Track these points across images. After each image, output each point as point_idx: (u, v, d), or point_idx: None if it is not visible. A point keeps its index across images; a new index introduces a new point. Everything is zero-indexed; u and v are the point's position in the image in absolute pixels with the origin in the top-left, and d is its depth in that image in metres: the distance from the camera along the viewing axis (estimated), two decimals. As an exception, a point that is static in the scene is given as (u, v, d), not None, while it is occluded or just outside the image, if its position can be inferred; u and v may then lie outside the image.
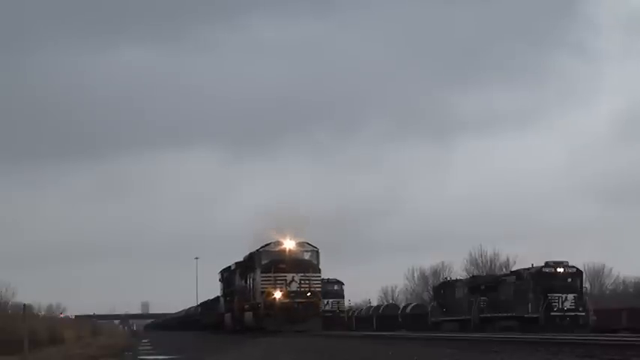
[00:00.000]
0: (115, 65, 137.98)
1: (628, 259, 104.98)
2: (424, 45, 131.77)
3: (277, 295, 37.31)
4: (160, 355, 29.99)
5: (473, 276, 55.13)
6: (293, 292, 37.46)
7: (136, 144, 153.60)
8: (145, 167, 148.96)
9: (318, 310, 38.66)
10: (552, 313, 37.65)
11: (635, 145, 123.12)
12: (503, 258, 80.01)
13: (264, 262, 38.67)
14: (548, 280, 38.53)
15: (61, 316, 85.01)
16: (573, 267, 39.49)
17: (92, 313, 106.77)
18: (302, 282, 37.61)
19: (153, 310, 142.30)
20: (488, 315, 41.95)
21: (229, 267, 48.07)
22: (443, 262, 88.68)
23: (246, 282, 41.81)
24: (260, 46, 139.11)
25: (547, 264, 39.08)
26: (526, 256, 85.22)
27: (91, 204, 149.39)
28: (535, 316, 37.98)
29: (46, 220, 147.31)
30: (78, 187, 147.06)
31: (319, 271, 38.72)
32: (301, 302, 37.46)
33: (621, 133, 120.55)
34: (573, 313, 37.90)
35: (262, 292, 37.83)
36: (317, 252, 38.89)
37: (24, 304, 29.42)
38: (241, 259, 43.69)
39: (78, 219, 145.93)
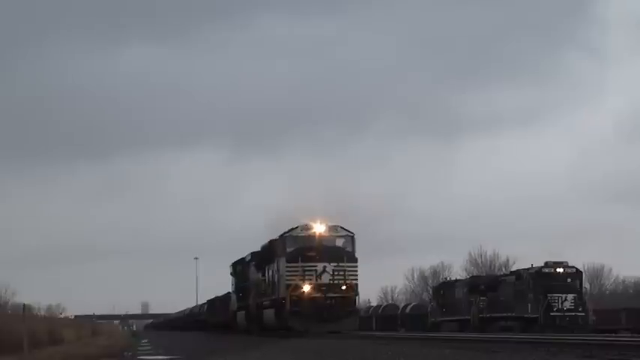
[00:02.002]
0: (118, 65, 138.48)
1: (628, 259, 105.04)
2: (431, 44, 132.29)
3: (306, 288, 32.08)
4: (160, 355, 29.99)
5: (472, 276, 55.21)
6: (325, 285, 32.14)
7: (137, 144, 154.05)
8: (147, 167, 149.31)
9: (354, 306, 33.32)
10: (552, 314, 37.68)
11: (637, 146, 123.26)
12: (502, 258, 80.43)
13: (290, 249, 33.08)
14: (548, 280, 38.57)
15: (61, 316, 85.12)
16: (573, 267, 39.53)
17: (92, 313, 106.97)
18: (335, 273, 32.20)
19: (153, 310, 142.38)
20: (488, 315, 41.98)
21: (243, 258, 42.62)
22: (443, 262, 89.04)
23: (264, 274, 36.88)
24: (265, 45, 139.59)
25: (547, 264, 39.12)
26: (526, 256, 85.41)
27: (92, 204, 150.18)
28: (535, 316, 38.01)
29: (46, 221, 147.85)
30: (78, 187, 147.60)
31: (356, 260, 32.97)
32: (334, 297, 32.16)
33: (625, 134, 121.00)
34: (573, 314, 37.92)
35: (287, 286, 32.41)
36: (352, 237, 33.34)
37: (23, 304, 29.44)
38: (258, 248, 38.52)
39: (78, 219, 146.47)
